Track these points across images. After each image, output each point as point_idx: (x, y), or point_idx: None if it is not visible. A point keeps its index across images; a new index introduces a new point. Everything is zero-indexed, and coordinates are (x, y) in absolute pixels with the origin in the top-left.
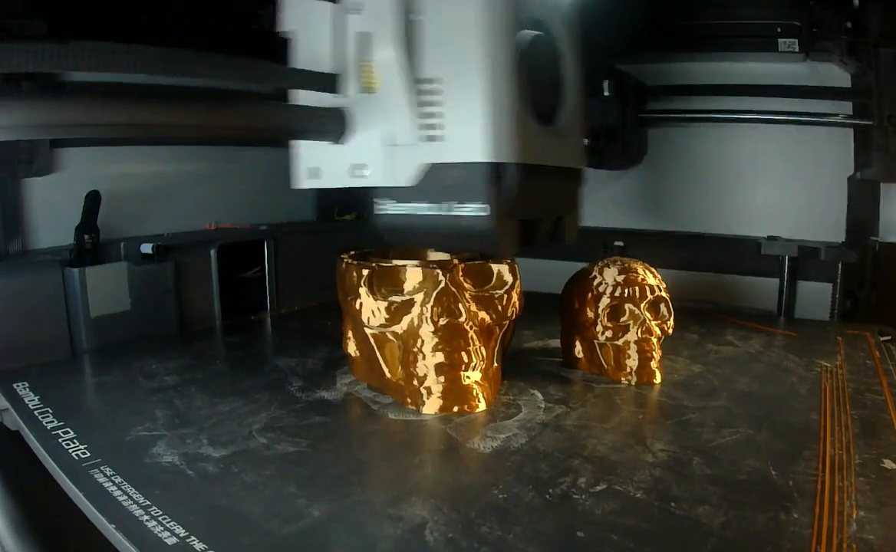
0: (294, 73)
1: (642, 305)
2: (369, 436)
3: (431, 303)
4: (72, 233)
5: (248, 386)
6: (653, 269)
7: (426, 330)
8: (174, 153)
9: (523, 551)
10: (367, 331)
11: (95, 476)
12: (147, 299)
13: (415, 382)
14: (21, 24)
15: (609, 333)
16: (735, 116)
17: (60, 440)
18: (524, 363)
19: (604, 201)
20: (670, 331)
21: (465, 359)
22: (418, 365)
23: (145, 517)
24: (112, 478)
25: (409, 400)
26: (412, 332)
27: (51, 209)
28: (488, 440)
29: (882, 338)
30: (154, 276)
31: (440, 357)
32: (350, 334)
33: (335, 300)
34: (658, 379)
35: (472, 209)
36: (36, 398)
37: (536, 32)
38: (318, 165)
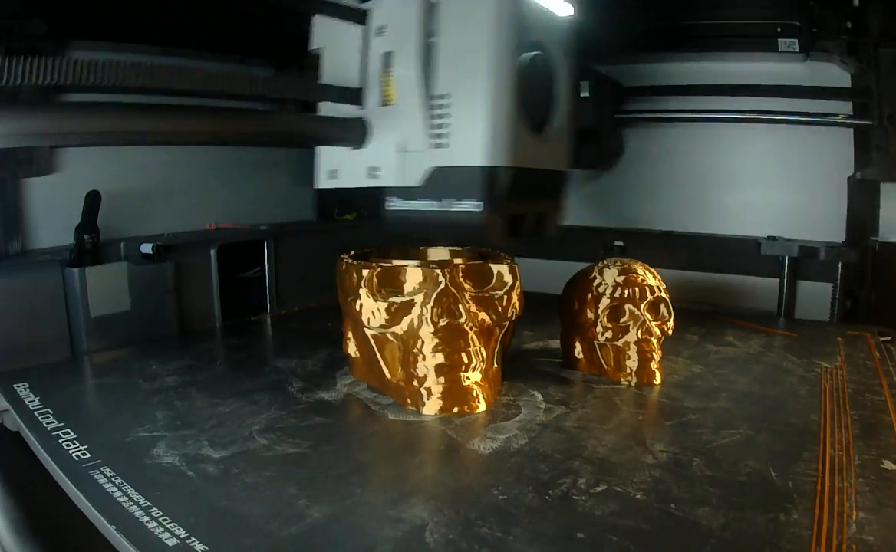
0: (325, 87)
1: (642, 306)
2: (369, 437)
3: (431, 304)
4: (72, 233)
5: (249, 387)
6: (653, 270)
7: (426, 331)
8: (174, 153)
9: None
10: (367, 331)
11: (96, 477)
12: (147, 299)
13: (415, 383)
14: (21, 24)
15: (609, 334)
16: (735, 116)
17: (61, 441)
18: (524, 364)
19: (603, 201)
20: (670, 331)
21: (465, 359)
22: (418, 366)
23: (146, 518)
24: (112, 479)
25: (409, 401)
26: (412, 333)
27: (51, 209)
28: (488, 441)
29: (882, 339)
30: (154, 275)
31: (440, 358)
32: (350, 335)
33: (335, 301)
34: (658, 380)
35: (468, 205)
36: (36, 399)
37: (535, 53)
38: (337, 168)
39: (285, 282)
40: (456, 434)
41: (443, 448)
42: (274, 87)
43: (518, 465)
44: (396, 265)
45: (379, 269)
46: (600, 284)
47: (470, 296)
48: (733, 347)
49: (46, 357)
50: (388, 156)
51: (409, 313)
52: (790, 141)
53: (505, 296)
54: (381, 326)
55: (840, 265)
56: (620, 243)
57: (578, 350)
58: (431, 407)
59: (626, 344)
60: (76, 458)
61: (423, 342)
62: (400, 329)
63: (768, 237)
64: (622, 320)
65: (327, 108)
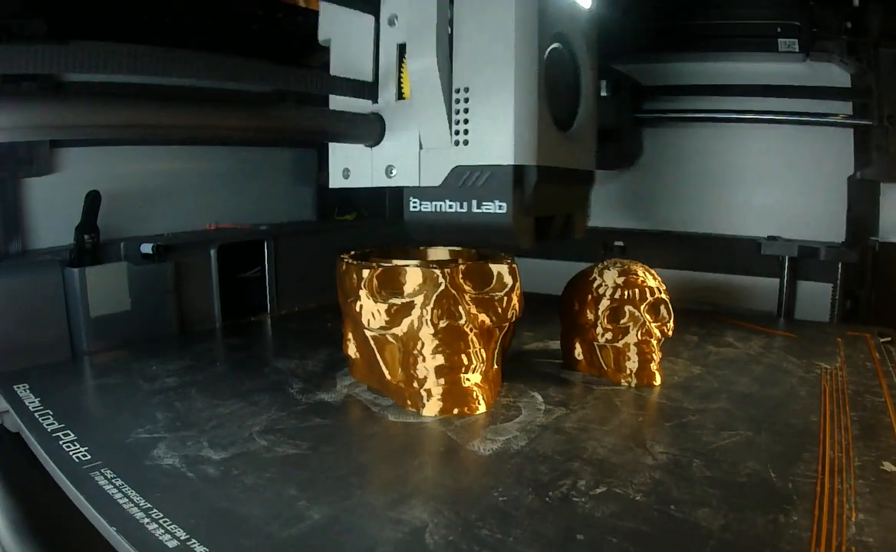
0: (337, 81)
1: (642, 307)
2: (369, 438)
3: (431, 305)
4: (72, 233)
5: (249, 388)
6: (653, 272)
7: (426, 332)
8: (174, 153)
9: None
10: (367, 333)
11: (96, 478)
12: (147, 299)
13: (415, 384)
14: (21, 24)
15: (609, 335)
16: (735, 116)
17: (61, 442)
18: (524, 365)
19: (605, 201)
20: (670, 333)
21: (465, 361)
22: (418, 367)
23: (146, 520)
24: (113, 480)
25: (409, 402)
26: (412, 335)
27: (51, 209)
28: (488, 442)
29: (882, 340)
30: (154, 276)
31: (440, 359)
32: (350, 336)
33: (335, 301)
34: (658, 381)
35: (494, 207)
36: (36, 400)
37: (558, 45)
38: (350, 167)
39: (285, 282)
40: (456, 435)
41: (443, 449)
42: (280, 77)
43: (518, 467)
44: (396, 266)
45: (379, 270)
46: (600, 286)
47: (470, 297)
48: (733, 348)
49: (46, 357)
50: (405, 154)
51: (409, 315)
52: (790, 141)
53: (505, 298)
54: (381, 328)
55: (840, 265)
56: (620, 243)
57: (578, 351)
58: (431, 408)
59: (626, 345)
60: (76, 460)
61: (423, 343)
62: (400, 330)
63: (768, 237)
64: (622, 321)
65: (338, 104)
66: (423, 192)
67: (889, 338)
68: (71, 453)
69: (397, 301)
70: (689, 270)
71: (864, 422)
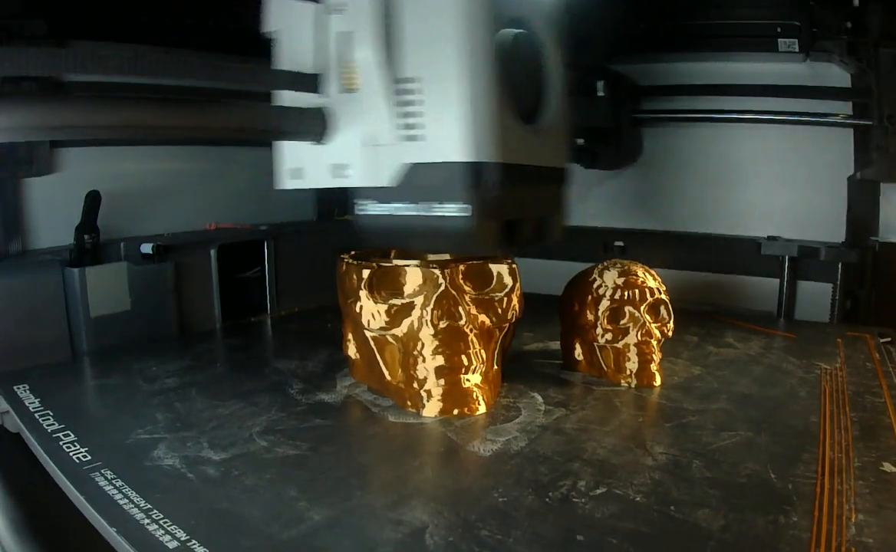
0: (276, 74)
1: (642, 308)
2: (369, 438)
3: (431, 306)
4: (72, 233)
5: (249, 388)
6: (653, 272)
7: (426, 333)
8: (174, 153)
9: None
10: (368, 333)
11: (96, 479)
12: (147, 299)
13: (415, 385)
14: (21, 24)
15: (609, 336)
16: (735, 116)
17: (61, 443)
18: (524, 365)
19: (603, 201)
20: (670, 333)
21: (465, 361)
22: (418, 368)
23: (146, 520)
24: (113, 481)
25: (409, 402)
26: (412, 335)
27: (51, 209)
28: (488, 443)
29: (882, 340)
30: (154, 276)
31: (440, 360)
32: (350, 337)
33: (335, 301)
34: (658, 381)
35: (454, 209)
36: (37, 401)
37: (517, 30)
38: (301, 166)
39: (285, 282)
40: (456, 436)
41: (443, 450)
42: (215, 73)
43: (518, 467)
44: (396, 266)
45: (379, 270)
46: (600, 286)
47: (470, 298)
48: (733, 349)
49: (46, 357)
50: (355, 151)
51: (409, 315)
52: (790, 141)
53: (505, 299)
54: (381, 328)
55: (840, 265)
56: (620, 243)
57: (578, 352)
58: (431, 409)
59: (626, 346)
60: (77, 460)
61: (423, 344)
62: (400, 331)
63: (768, 237)
64: (622, 322)
65: (288, 100)
66: (376, 193)
67: (889, 339)
68: (71, 454)
69: (397, 301)
70: (689, 270)
71: (863, 423)
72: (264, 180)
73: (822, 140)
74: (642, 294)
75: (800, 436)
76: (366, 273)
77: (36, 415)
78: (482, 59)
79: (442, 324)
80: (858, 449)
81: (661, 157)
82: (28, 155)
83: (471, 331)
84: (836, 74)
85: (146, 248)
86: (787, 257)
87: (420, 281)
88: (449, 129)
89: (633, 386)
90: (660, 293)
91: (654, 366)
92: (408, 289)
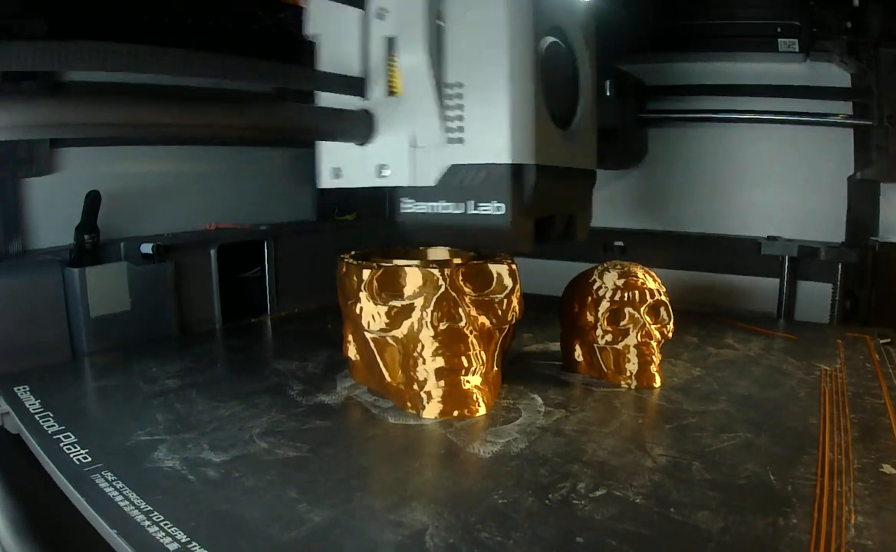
0: (326, 77)
1: (642, 309)
2: (370, 440)
3: (431, 307)
4: (72, 233)
5: (249, 390)
6: (653, 273)
7: (426, 334)
8: (174, 153)
9: None
10: (368, 335)
11: (97, 481)
12: (147, 299)
13: (415, 386)
14: (21, 24)
15: (609, 337)
16: (735, 116)
17: (62, 444)
18: (524, 366)
19: (604, 201)
20: (670, 335)
21: (465, 363)
22: (418, 369)
23: (147, 522)
24: (113, 482)
25: (409, 404)
26: (412, 337)
27: (51, 209)
28: (488, 444)
29: (882, 341)
30: (154, 276)
31: (440, 361)
32: (350, 338)
33: (335, 301)
34: (658, 383)
35: (491, 208)
36: (37, 402)
37: (555, 39)
38: (341, 166)
39: (285, 282)
40: (456, 437)
41: (443, 451)
42: (265, 73)
43: (518, 469)
44: (396, 267)
45: (379, 272)
46: (600, 288)
47: (470, 299)
48: (733, 350)
49: (46, 357)
50: (397, 152)
51: (410, 317)
52: (790, 141)
53: (505, 300)
54: (382, 330)
55: (840, 265)
56: (620, 243)
57: (578, 353)
58: (431, 410)
59: (626, 347)
60: (77, 462)
61: (423, 346)
62: (400, 333)
63: (768, 237)
64: (622, 323)
65: (328, 101)
66: (418, 193)
67: (889, 340)
68: (72, 455)
69: (397, 303)
70: (689, 270)
71: (863, 425)
72: (264, 180)
73: (822, 140)
74: (642, 295)
75: (799, 438)
76: (366, 274)
77: (36, 416)
78: (524, 67)
79: (442, 326)
80: (858, 450)
81: (660, 157)
82: (28, 155)
83: (471, 332)
84: (836, 74)
85: (146, 248)
86: (787, 257)
87: (420, 282)
88: (491, 133)
89: (632, 387)
90: (660, 294)
91: (653, 368)
92: (408, 291)
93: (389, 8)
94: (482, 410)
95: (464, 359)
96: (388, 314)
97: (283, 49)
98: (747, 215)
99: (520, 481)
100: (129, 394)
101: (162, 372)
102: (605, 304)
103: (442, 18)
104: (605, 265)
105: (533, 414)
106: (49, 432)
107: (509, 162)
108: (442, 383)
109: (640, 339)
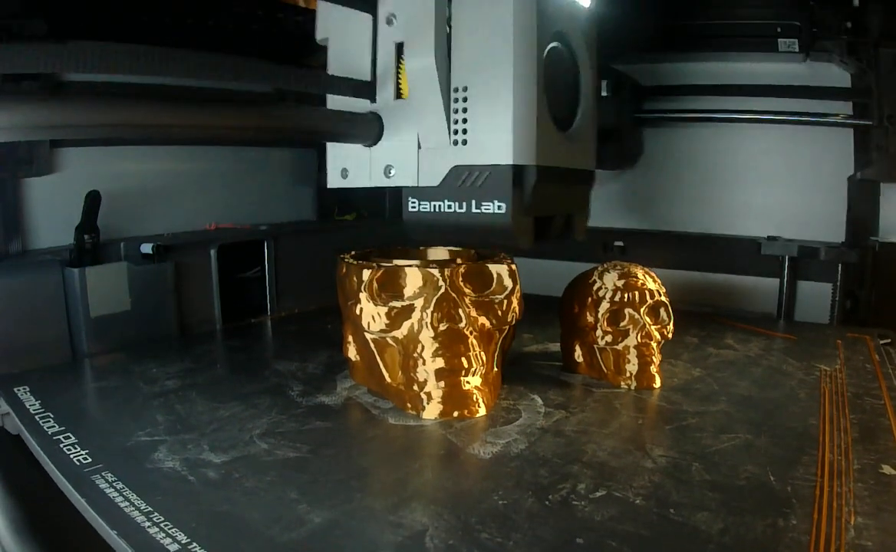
0: (336, 80)
1: (642, 310)
2: (370, 441)
3: (431, 308)
4: (72, 233)
5: (249, 390)
6: (653, 274)
7: (426, 335)
8: (174, 153)
9: None
10: (368, 335)
11: (97, 481)
12: (147, 299)
13: (415, 387)
14: (21, 24)
15: (609, 338)
16: (735, 116)
17: (62, 445)
18: (524, 367)
19: (604, 201)
20: (670, 335)
21: (465, 364)
22: (418, 370)
23: (147, 523)
24: (113, 483)
25: (409, 405)
26: (412, 338)
27: (51, 209)
28: (488, 445)
29: (882, 342)
30: (154, 276)
31: (440, 362)
32: (350, 338)
33: (335, 302)
34: (658, 383)
35: (493, 207)
36: (37, 403)
37: (558, 44)
38: (348, 166)
39: (285, 282)
40: (456, 438)
41: (443, 452)
42: (278, 77)
43: (518, 470)
44: (396, 268)
45: (379, 272)
46: (600, 288)
47: (470, 300)
48: (733, 350)
49: (46, 357)
50: (403, 154)
51: (410, 318)
52: (790, 141)
53: (505, 301)
54: (382, 331)
55: (840, 265)
56: (620, 243)
57: (578, 353)
58: (431, 411)
59: (626, 348)
60: (77, 463)
61: (423, 346)
62: (400, 333)
63: (768, 237)
64: (622, 324)
65: (336, 104)
66: (422, 192)
67: (889, 341)
68: (72, 456)
69: (397, 304)
70: (689, 270)
71: (863, 425)
72: (264, 180)
73: (822, 140)
74: (642, 296)
75: (799, 439)
76: (366, 275)
77: (36, 417)
78: (528, 72)
79: (442, 327)
80: (858, 451)
81: (660, 157)
82: (28, 155)
83: (471, 333)
84: (836, 74)
85: (146, 248)
86: (786, 257)
87: (420, 283)
88: (494, 135)
89: (632, 388)
90: (660, 295)
91: (653, 368)
92: (408, 292)
93: (398, 13)
94: (482, 411)
95: (464, 359)
96: (388, 315)
97: (282, 49)
98: (747, 215)
99: (520, 482)
100: (130, 394)
101: (162, 372)
102: (605, 305)
103: (450, 24)
104: (605, 266)
105: (533, 415)
106: (49, 433)
107: (511, 163)
108: (442, 384)
109: (640, 340)
